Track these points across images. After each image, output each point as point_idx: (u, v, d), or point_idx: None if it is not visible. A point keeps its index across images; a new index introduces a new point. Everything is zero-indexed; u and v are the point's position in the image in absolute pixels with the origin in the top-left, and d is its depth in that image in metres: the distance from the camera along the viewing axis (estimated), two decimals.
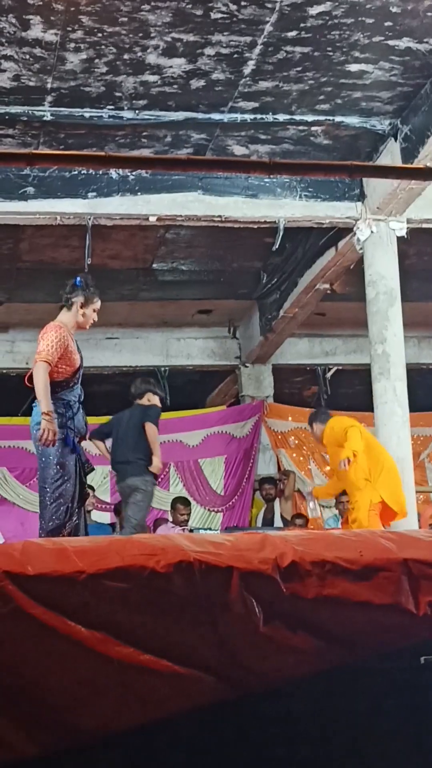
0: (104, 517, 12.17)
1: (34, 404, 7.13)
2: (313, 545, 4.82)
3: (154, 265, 12.57)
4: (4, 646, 4.26)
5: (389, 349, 9.94)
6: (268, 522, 13.46)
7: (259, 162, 8.21)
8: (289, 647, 4.51)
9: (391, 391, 9.84)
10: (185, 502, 12.23)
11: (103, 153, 8.86)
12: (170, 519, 11.99)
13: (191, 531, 11.11)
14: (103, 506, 12.90)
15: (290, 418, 15.00)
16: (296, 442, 14.91)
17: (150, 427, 8.59)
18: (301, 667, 4.60)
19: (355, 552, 4.77)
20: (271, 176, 9.48)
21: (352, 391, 15.39)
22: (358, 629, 4.63)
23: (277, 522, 13.34)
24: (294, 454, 14.83)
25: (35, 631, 4.28)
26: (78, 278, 7.51)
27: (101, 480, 13.11)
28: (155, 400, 8.94)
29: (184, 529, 11.28)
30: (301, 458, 14.85)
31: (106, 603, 4.41)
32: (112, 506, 12.18)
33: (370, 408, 10.41)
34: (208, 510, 14.16)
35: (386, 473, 9.18)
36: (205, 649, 4.44)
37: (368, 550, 4.81)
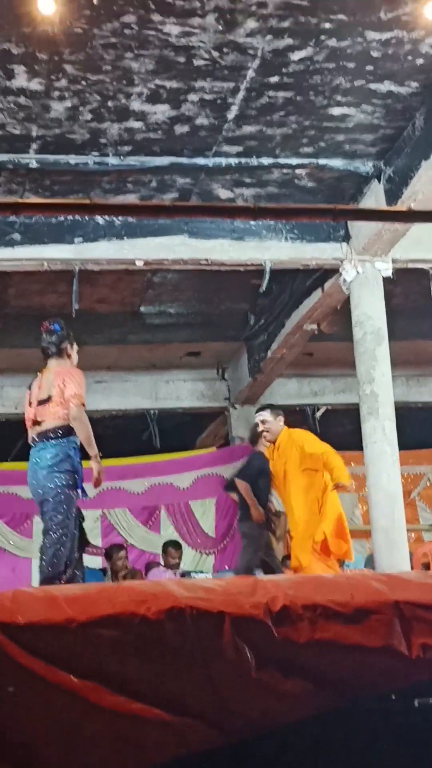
0: (95, 562, 12.10)
1: (42, 446, 7.11)
2: (304, 589, 4.83)
3: (142, 309, 12.59)
4: None
5: (377, 388, 9.96)
6: None
7: (243, 207, 8.27)
8: (282, 692, 4.51)
9: (380, 431, 9.85)
10: (176, 546, 12.20)
11: (88, 201, 8.91)
12: (162, 563, 11.95)
13: (183, 575, 11.11)
14: (94, 551, 12.85)
15: None
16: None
17: (240, 484, 9.09)
18: (294, 712, 4.60)
19: (347, 595, 4.78)
20: (257, 220, 9.52)
21: (342, 430, 15.37)
22: (351, 672, 4.63)
23: None
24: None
25: (26, 681, 4.27)
26: (56, 325, 7.58)
27: (92, 524, 13.08)
28: (261, 447, 9.35)
29: (176, 573, 11.26)
30: None
31: (97, 651, 4.41)
32: (103, 550, 12.14)
33: (359, 447, 10.42)
34: (200, 552, 14.11)
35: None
36: (197, 696, 4.44)
37: (359, 592, 4.82)
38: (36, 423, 7.14)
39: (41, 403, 7.19)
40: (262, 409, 9.61)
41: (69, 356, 7.49)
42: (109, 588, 4.87)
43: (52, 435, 7.05)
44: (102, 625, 4.45)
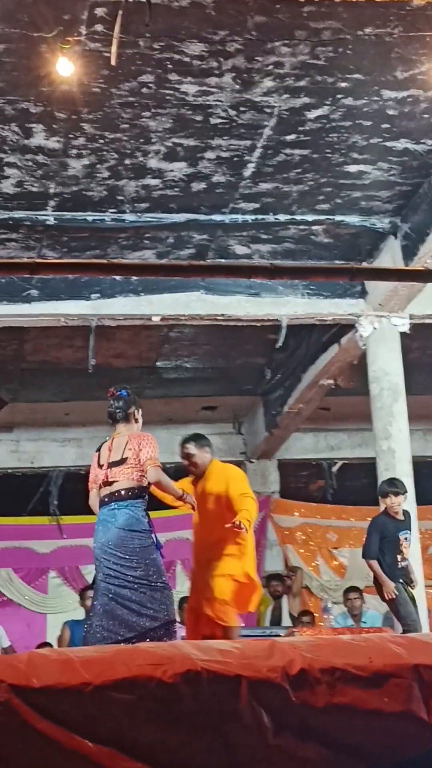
0: None
1: (116, 506, 7.23)
2: (322, 651, 4.76)
3: (158, 363, 12.62)
4: (9, 762, 4.19)
5: (395, 444, 9.92)
6: (276, 619, 13.30)
7: (260, 266, 8.29)
8: (300, 758, 4.43)
9: None
10: None
11: (106, 261, 8.95)
12: (178, 619, 11.83)
13: None
14: None
15: (297, 514, 14.93)
16: (303, 537, 14.82)
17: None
18: None
19: (365, 658, 4.71)
20: (273, 280, 9.55)
21: (359, 484, 15.31)
22: (369, 738, 4.55)
23: (285, 619, 13.18)
24: (301, 550, 14.73)
25: (41, 746, 4.22)
26: (123, 391, 7.79)
27: None
28: (388, 501, 8.72)
29: None
30: (309, 554, 14.74)
31: (112, 716, 4.35)
32: None
33: (376, 502, 10.36)
34: None
35: None
36: (214, 762, 4.37)
37: (378, 656, 4.75)
38: (107, 483, 7.29)
39: (114, 464, 7.30)
40: (186, 441, 8.86)
41: (136, 421, 7.73)
42: (124, 650, 4.80)
43: (124, 495, 7.21)
44: (117, 688, 4.39)
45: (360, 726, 4.54)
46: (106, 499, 7.34)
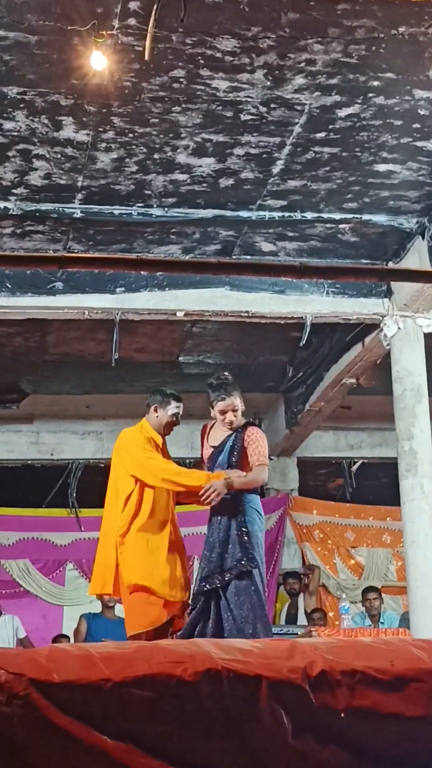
0: None
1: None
2: (343, 653, 4.73)
3: (181, 358, 12.61)
4: (27, 755, 4.18)
5: (416, 446, 9.88)
6: (292, 617, 13.29)
7: (289, 265, 8.26)
8: (319, 761, 4.40)
9: (418, 489, 9.76)
10: None
11: (134, 256, 8.95)
12: None
13: None
14: None
15: (315, 512, 14.90)
16: (321, 535, 14.79)
17: None
18: None
19: (386, 661, 4.68)
20: (302, 279, 9.51)
21: (378, 484, 15.29)
22: (390, 742, 4.52)
23: (301, 617, 13.17)
24: (319, 548, 14.71)
25: (60, 741, 4.20)
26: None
27: None
28: None
29: None
30: (326, 552, 14.72)
31: (132, 712, 4.33)
32: None
33: (395, 502, 10.33)
34: None
35: None
36: (232, 761, 4.35)
37: (399, 659, 4.72)
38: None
39: None
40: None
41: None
42: (145, 647, 4.78)
43: None
44: (137, 685, 4.36)
45: (380, 730, 4.51)
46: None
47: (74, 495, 14.47)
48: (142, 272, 9.81)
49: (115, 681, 4.35)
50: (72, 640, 11.52)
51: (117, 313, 9.94)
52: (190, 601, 7.38)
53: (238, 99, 7.62)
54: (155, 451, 7.45)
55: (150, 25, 6.36)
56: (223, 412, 7.43)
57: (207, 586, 7.20)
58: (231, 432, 7.42)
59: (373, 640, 5.26)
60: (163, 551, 7.34)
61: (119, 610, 11.37)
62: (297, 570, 14.09)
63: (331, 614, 13.59)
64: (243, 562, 7.08)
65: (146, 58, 6.54)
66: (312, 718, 4.48)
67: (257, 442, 7.34)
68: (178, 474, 7.29)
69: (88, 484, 14.46)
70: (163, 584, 7.22)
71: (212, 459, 7.43)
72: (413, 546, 9.73)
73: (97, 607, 11.65)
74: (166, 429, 7.62)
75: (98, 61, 6.79)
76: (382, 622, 11.85)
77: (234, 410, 7.41)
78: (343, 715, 4.47)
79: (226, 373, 7.65)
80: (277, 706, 4.43)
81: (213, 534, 7.30)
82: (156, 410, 7.56)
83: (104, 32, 6.60)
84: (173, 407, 7.53)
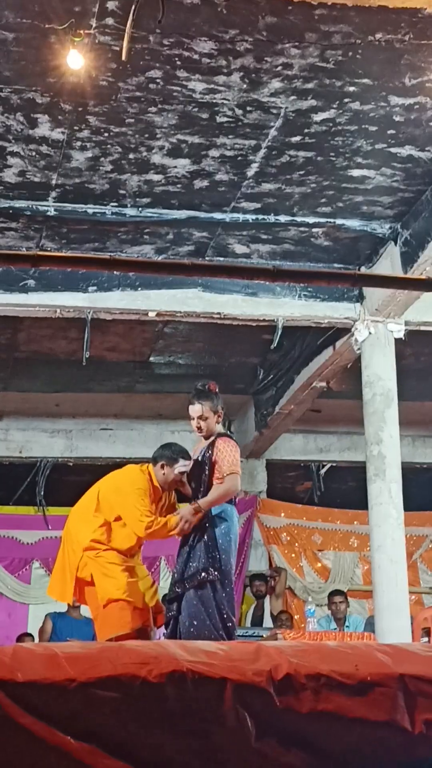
0: None
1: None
2: (308, 657, 4.74)
3: (151, 358, 12.60)
4: None
5: (385, 450, 9.92)
6: (258, 619, 13.32)
7: (262, 269, 8.26)
8: (282, 764, 4.40)
9: (386, 493, 9.80)
10: None
11: (108, 256, 8.94)
12: None
13: None
14: None
15: (283, 514, 14.93)
16: (288, 538, 14.83)
17: None
18: None
19: (351, 665, 4.69)
20: (275, 282, 9.53)
21: (346, 487, 15.34)
22: (353, 746, 4.53)
23: (267, 620, 13.20)
24: (286, 551, 14.74)
25: (23, 741, 4.19)
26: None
27: None
28: None
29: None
30: (293, 555, 14.76)
31: (96, 713, 4.32)
32: None
33: (363, 506, 10.37)
34: None
35: None
36: (196, 763, 4.35)
37: (364, 663, 4.73)
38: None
39: None
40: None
41: None
42: (110, 648, 4.77)
43: None
44: (102, 686, 4.36)
45: (343, 734, 4.52)
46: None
47: (42, 493, 14.44)
48: (115, 272, 9.81)
49: (80, 681, 4.35)
50: (37, 638, 11.50)
51: (89, 312, 9.92)
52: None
53: (214, 101, 7.62)
54: (151, 503, 7.42)
55: (127, 25, 6.34)
56: (191, 418, 7.48)
57: (172, 594, 7.30)
58: (206, 444, 7.47)
59: (338, 644, 5.28)
60: (137, 562, 7.45)
61: (85, 610, 11.36)
62: (264, 572, 14.13)
63: (296, 617, 13.61)
64: (202, 574, 7.13)
65: (123, 59, 6.53)
66: (276, 722, 4.48)
67: (225, 452, 7.35)
68: (160, 529, 7.28)
69: (56, 482, 14.46)
70: (137, 594, 7.28)
71: (192, 473, 7.45)
72: (380, 550, 9.77)
73: (62, 606, 11.62)
74: (171, 486, 7.56)
75: (75, 61, 6.77)
76: (347, 626, 11.89)
77: (200, 417, 7.43)
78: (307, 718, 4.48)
79: (206, 382, 7.66)
80: (241, 708, 4.43)
81: (181, 542, 7.38)
82: (163, 467, 7.45)
83: (81, 31, 6.59)
84: (181, 465, 7.45)
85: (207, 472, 7.31)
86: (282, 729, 4.48)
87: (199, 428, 7.46)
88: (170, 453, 7.53)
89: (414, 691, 4.64)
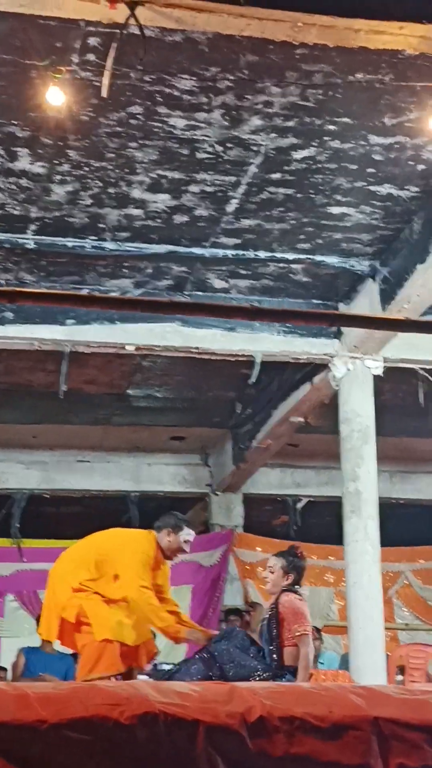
0: None
1: None
2: (282, 699, 4.71)
3: (129, 391, 12.58)
4: None
5: (362, 487, 9.90)
6: None
7: (240, 307, 8.26)
8: None
9: (362, 530, 9.77)
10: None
11: (85, 293, 8.93)
12: None
13: (155, 666, 10.90)
14: None
15: (259, 549, 14.86)
16: (264, 573, 14.72)
17: None
18: None
19: (325, 708, 4.67)
20: (253, 321, 9.54)
21: (323, 522, 15.29)
22: None
23: None
24: (261, 586, 14.64)
25: None
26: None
27: None
28: None
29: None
30: None
31: (67, 755, 4.28)
32: None
33: (339, 540, 10.32)
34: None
35: None
36: None
37: (338, 706, 4.71)
38: None
39: None
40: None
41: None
42: (82, 688, 4.73)
43: None
44: (73, 727, 4.31)
45: None
46: None
47: (17, 525, 14.35)
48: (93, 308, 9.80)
49: (51, 723, 4.30)
50: (9, 672, 11.38)
51: (67, 345, 9.90)
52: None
53: (194, 137, 7.64)
54: (151, 571, 7.40)
55: (108, 63, 6.36)
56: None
57: None
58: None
59: (312, 686, 5.25)
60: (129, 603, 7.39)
61: (58, 645, 11.27)
62: (239, 607, 14.04)
63: None
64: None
65: (103, 95, 6.54)
66: (249, 765, 4.45)
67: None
68: (156, 617, 7.28)
69: (32, 514, 14.37)
70: (131, 635, 7.27)
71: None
72: (356, 587, 9.74)
73: (36, 641, 11.50)
74: (173, 554, 7.54)
75: (56, 97, 6.77)
76: (321, 663, 11.79)
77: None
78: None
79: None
80: (213, 751, 4.40)
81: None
82: (169, 534, 7.43)
83: (62, 67, 6.59)
84: (186, 533, 7.46)
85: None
86: None
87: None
88: (175, 520, 7.52)
89: (388, 734, 4.63)
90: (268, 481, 15.21)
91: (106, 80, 6.39)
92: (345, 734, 4.58)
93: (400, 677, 10.40)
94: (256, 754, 4.46)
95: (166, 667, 10.57)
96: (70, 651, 11.52)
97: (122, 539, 7.65)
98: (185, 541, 7.47)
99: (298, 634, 7.08)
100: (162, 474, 14.95)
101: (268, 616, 7.28)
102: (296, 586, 7.36)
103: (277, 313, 7.18)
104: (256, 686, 5.07)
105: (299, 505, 15.48)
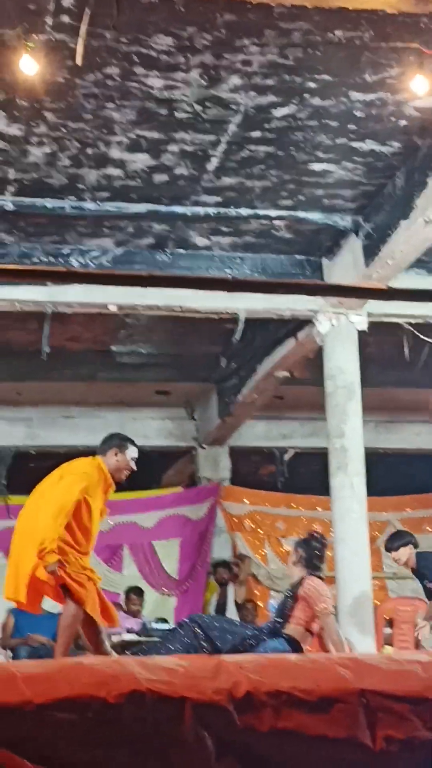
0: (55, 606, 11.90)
1: None
2: (269, 674, 4.68)
3: (113, 348, 12.52)
4: None
5: (348, 443, 9.89)
6: (221, 607, 13.32)
7: (221, 279, 8.17)
8: None
9: (348, 487, 9.77)
10: (138, 592, 12.08)
11: (63, 268, 8.82)
12: (123, 607, 11.79)
13: (144, 625, 10.97)
14: None
15: (246, 501, 14.91)
16: (252, 525, 14.81)
17: None
18: None
19: (312, 682, 4.65)
20: (232, 292, 9.46)
21: (309, 473, 15.31)
22: (313, 765, 4.50)
23: (230, 607, 13.20)
24: (249, 538, 14.73)
25: None
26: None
27: None
28: None
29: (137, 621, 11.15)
30: (257, 542, 14.74)
31: (54, 735, 4.26)
32: None
33: (326, 491, 10.31)
34: (162, 594, 13.98)
35: None
36: None
37: (325, 679, 4.69)
38: None
39: None
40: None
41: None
42: (68, 666, 4.71)
43: None
44: (60, 707, 4.29)
45: (304, 752, 4.48)
46: None
47: (4, 482, 14.34)
48: (73, 263, 9.72)
49: (37, 703, 4.28)
50: None
51: (48, 306, 9.82)
52: None
53: (173, 97, 7.55)
54: (102, 494, 7.21)
55: (82, 29, 6.24)
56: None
57: None
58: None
59: (299, 659, 5.24)
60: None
61: (46, 604, 11.28)
62: (227, 559, 14.11)
63: (261, 604, 13.62)
64: None
65: (78, 62, 6.43)
66: (236, 741, 4.44)
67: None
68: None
69: (18, 471, 14.35)
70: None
71: None
72: (342, 543, 9.77)
73: None
74: (121, 473, 7.30)
75: (29, 66, 6.64)
76: None
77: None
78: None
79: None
80: (200, 728, 4.38)
81: None
82: (116, 454, 7.25)
83: (36, 34, 6.47)
84: (132, 451, 7.29)
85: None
86: (242, 748, 4.43)
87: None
88: (119, 440, 7.38)
89: (375, 707, 4.60)
90: (255, 434, 15.20)
91: (80, 48, 6.28)
92: (331, 708, 4.56)
93: (388, 630, 10.44)
94: (244, 729, 4.44)
95: (155, 626, 10.67)
96: (58, 611, 11.60)
97: (69, 471, 7.37)
98: (132, 458, 7.30)
99: (320, 613, 7.29)
100: (147, 428, 14.91)
101: (289, 594, 7.48)
102: (318, 569, 7.57)
103: (256, 284, 7.08)
104: (242, 660, 5.05)
105: (286, 457, 15.49)
